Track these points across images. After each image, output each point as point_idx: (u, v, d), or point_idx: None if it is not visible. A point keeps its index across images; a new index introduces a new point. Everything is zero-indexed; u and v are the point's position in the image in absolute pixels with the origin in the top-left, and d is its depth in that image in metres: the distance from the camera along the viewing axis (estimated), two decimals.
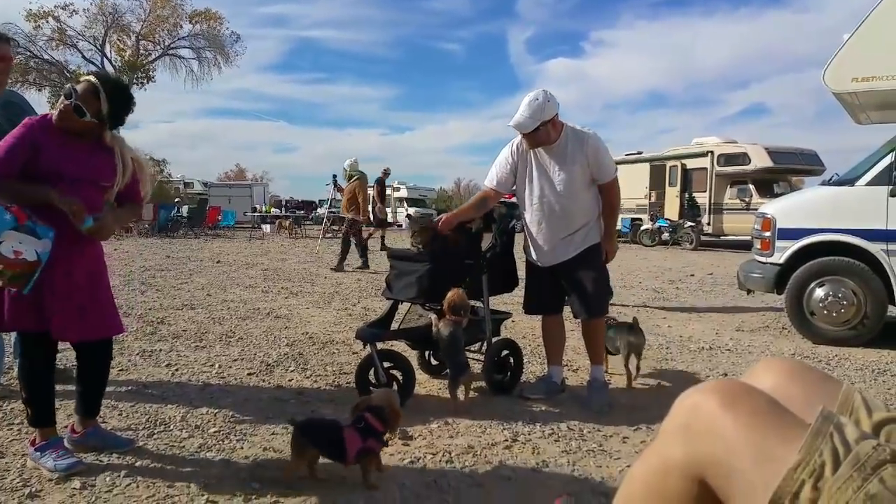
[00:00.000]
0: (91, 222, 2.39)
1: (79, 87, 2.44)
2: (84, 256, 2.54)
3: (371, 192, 12.49)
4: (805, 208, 5.57)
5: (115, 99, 2.50)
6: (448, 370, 3.27)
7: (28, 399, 2.49)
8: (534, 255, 3.62)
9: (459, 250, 3.56)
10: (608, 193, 3.52)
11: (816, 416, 0.96)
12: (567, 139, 3.41)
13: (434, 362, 3.97)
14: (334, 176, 12.31)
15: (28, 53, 27.00)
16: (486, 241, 3.73)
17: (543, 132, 3.35)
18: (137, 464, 2.53)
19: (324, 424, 2.49)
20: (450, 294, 3.29)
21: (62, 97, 2.44)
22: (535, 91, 3.37)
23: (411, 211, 31.12)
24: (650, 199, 19.93)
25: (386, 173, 15.23)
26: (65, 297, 2.43)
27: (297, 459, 2.36)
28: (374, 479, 2.38)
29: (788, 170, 17.64)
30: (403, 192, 35.50)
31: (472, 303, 3.78)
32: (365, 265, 10.64)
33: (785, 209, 5.67)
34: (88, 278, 2.55)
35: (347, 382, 3.68)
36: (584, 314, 3.51)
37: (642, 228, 19.51)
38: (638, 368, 3.95)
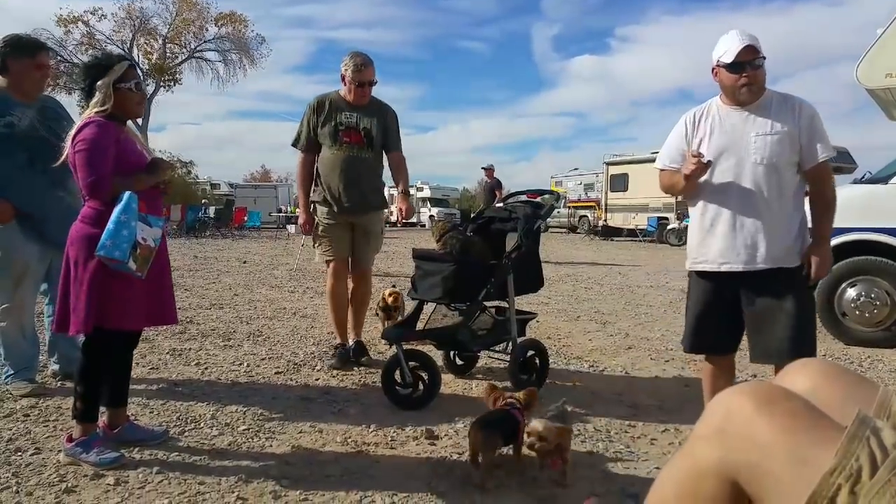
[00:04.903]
0: None
1: (135, 74, 2.63)
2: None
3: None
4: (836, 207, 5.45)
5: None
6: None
7: (83, 394, 2.54)
8: (703, 258, 2.71)
9: (483, 251, 3.56)
10: (823, 182, 2.65)
11: (853, 419, 0.95)
12: (772, 100, 2.63)
13: (459, 362, 3.99)
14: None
15: (59, 58, 27.57)
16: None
17: (763, 71, 2.59)
18: (169, 460, 2.57)
19: (500, 416, 2.53)
20: None
21: (133, 90, 2.57)
22: None
23: (434, 212, 31.14)
24: (677, 197, 19.68)
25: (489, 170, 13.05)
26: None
27: (489, 456, 2.38)
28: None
29: None
30: (426, 192, 35.57)
31: (498, 303, 3.79)
32: None
33: None
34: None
35: (373, 382, 3.71)
36: (781, 357, 2.48)
37: (669, 227, 19.32)
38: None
